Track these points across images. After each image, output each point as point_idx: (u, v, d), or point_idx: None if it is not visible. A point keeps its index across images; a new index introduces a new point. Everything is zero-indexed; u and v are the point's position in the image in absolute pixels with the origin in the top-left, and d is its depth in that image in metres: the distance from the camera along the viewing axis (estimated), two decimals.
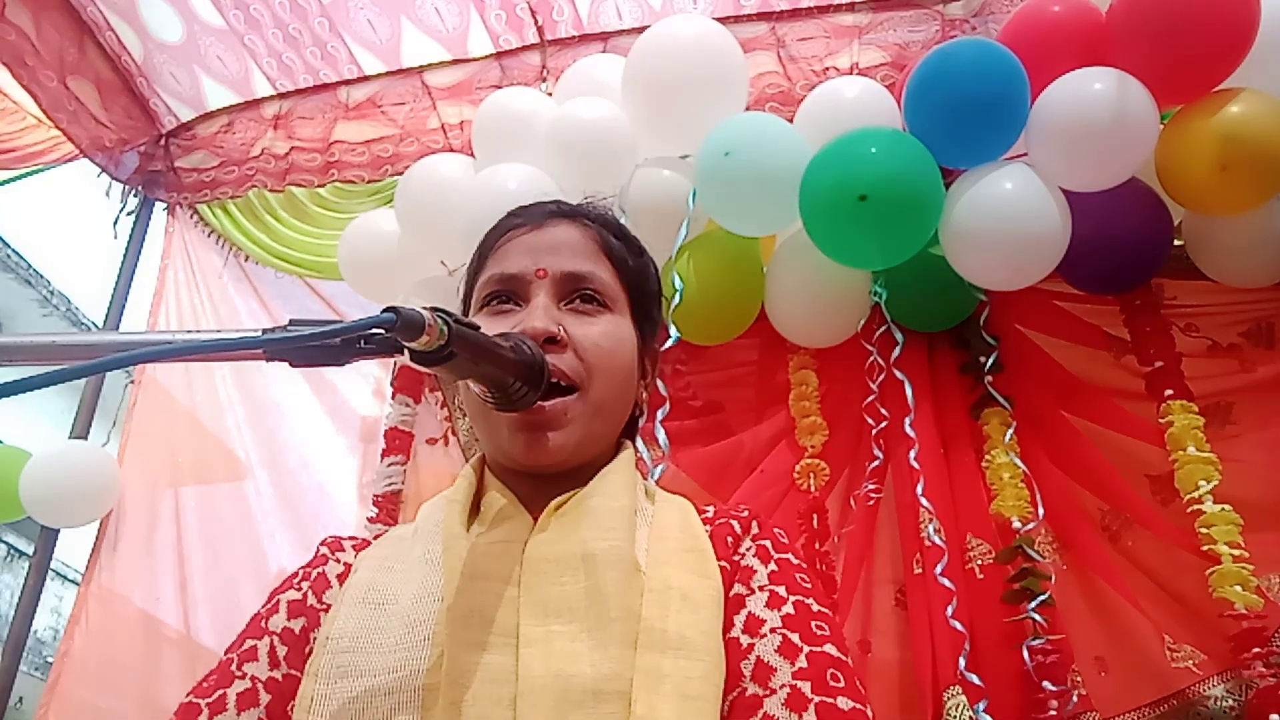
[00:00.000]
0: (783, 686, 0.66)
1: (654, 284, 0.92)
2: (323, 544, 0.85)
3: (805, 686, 0.66)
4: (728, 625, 0.72)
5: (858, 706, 0.66)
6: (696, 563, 0.75)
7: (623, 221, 1.72)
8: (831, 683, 0.67)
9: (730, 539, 0.78)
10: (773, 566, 0.76)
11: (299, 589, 0.80)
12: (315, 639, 0.74)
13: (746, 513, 0.82)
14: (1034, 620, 1.49)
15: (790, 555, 0.78)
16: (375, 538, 0.86)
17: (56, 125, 2.49)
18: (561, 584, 0.69)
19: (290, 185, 2.52)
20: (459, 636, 0.67)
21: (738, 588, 0.74)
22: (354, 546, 0.85)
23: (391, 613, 0.71)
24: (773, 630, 0.70)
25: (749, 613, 0.72)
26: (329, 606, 0.77)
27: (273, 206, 2.60)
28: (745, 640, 0.70)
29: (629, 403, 0.85)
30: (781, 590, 0.74)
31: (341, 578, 0.80)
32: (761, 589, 0.74)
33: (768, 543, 0.79)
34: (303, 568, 0.83)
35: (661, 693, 0.64)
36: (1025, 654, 1.46)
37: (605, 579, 0.69)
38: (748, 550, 0.78)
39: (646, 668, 0.65)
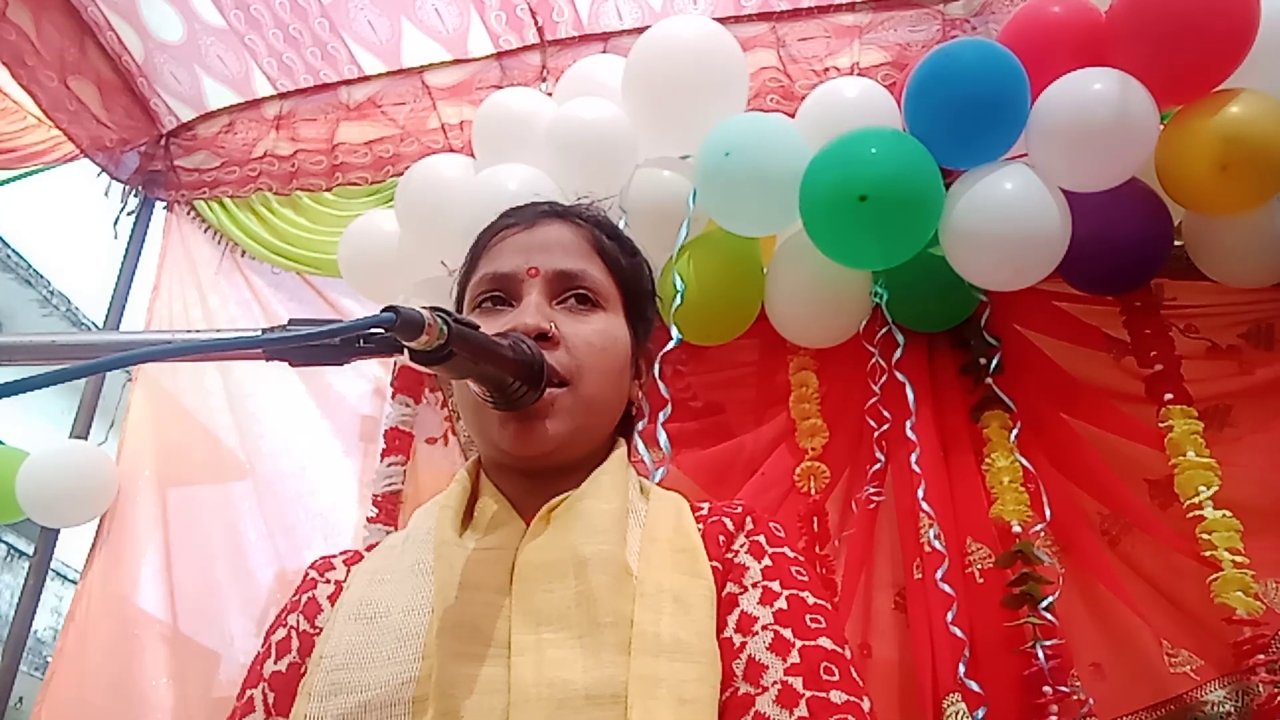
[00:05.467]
0: (774, 684, 0.66)
1: (648, 284, 0.91)
2: (311, 567, 0.85)
3: (797, 682, 0.66)
4: (721, 625, 0.71)
5: (851, 699, 0.65)
6: (689, 563, 0.74)
7: (622, 222, 1.73)
8: (825, 676, 0.66)
9: (723, 537, 0.78)
10: (766, 562, 0.76)
11: (286, 625, 0.80)
12: (309, 663, 0.74)
13: (740, 508, 0.82)
14: (1034, 624, 1.48)
15: (785, 549, 0.78)
16: (369, 549, 0.86)
17: (57, 125, 2.49)
18: (552, 591, 0.69)
19: (296, 190, 2.53)
20: (449, 648, 0.66)
21: (730, 586, 0.74)
22: (345, 561, 0.84)
23: (383, 626, 0.71)
24: (764, 627, 0.70)
25: (741, 611, 0.72)
26: (322, 630, 0.76)
27: (269, 201, 2.61)
28: (738, 639, 0.70)
29: (621, 400, 0.85)
30: (775, 585, 0.73)
31: (333, 598, 0.80)
32: (755, 586, 0.73)
33: (762, 537, 0.78)
34: (292, 597, 0.83)
35: (658, 697, 0.64)
36: (1040, 654, 1.45)
37: (596, 584, 0.69)
38: (741, 547, 0.77)
39: (641, 672, 0.65)
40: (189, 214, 2.70)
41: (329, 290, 2.53)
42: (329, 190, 2.52)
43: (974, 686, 1.44)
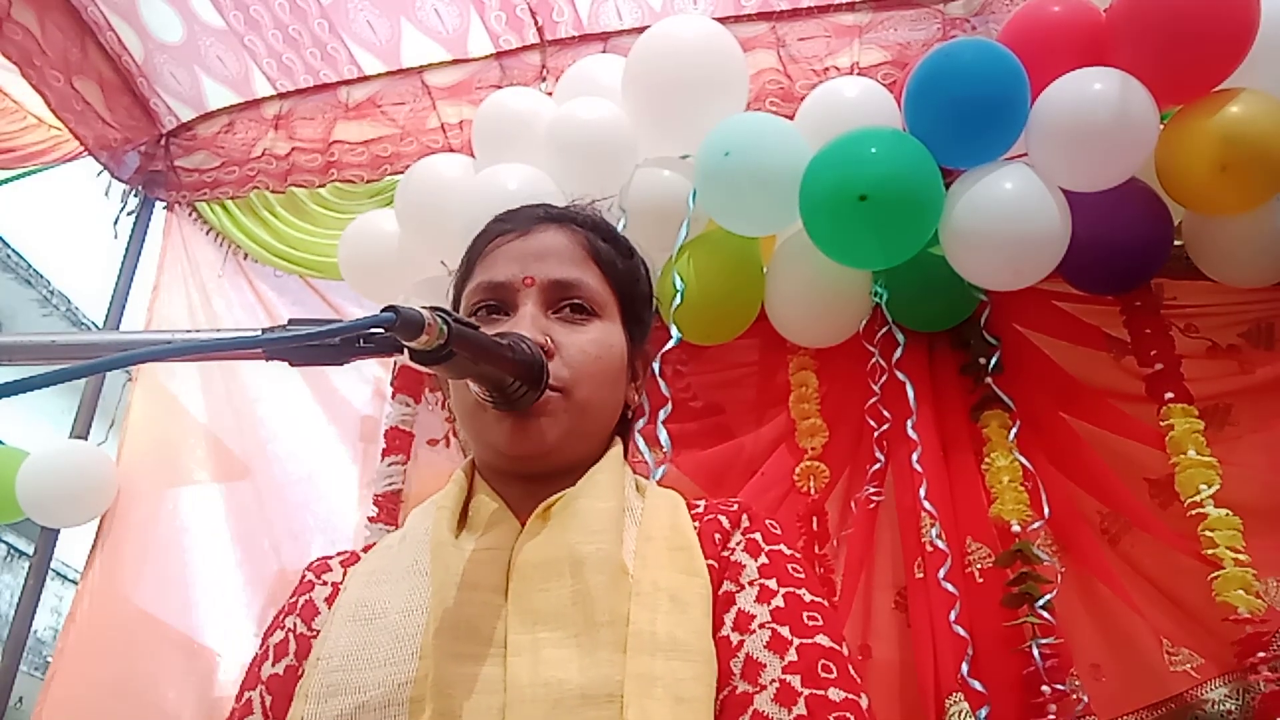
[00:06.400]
0: (772, 682, 0.66)
1: (644, 286, 0.91)
2: (308, 569, 0.84)
3: (795, 680, 0.65)
4: (718, 624, 0.71)
5: (850, 697, 0.65)
6: (685, 561, 0.74)
7: (622, 222, 1.73)
8: (823, 674, 0.66)
9: (719, 536, 0.78)
10: (763, 559, 0.75)
11: (283, 627, 0.80)
12: (306, 665, 0.74)
13: (736, 506, 0.81)
14: (1034, 623, 1.48)
15: (782, 546, 0.77)
16: (365, 549, 0.86)
17: (66, 125, 2.50)
18: (548, 590, 0.69)
19: (292, 186, 2.53)
20: (446, 648, 0.66)
21: (727, 585, 0.74)
22: (342, 563, 0.84)
23: (380, 627, 0.71)
24: (762, 626, 0.70)
25: (738, 609, 0.72)
26: (319, 632, 0.76)
27: (272, 205, 2.61)
28: (735, 638, 0.70)
29: (618, 404, 0.85)
30: (772, 583, 0.73)
31: (330, 600, 0.79)
32: (751, 584, 0.73)
33: (758, 535, 0.78)
34: (289, 599, 0.82)
35: (654, 696, 0.64)
36: (1035, 653, 1.45)
37: (592, 583, 0.69)
38: (737, 545, 0.77)
39: (638, 671, 0.65)
40: (190, 215, 2.70)
41: (332, 295, 2.54)
42: (323, 186, 2.52)
43: (977, 686, 1.45)
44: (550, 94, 2.04)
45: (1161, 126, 1.57)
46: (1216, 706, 1.47)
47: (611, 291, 0.85)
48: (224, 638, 2.23)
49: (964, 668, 1.46)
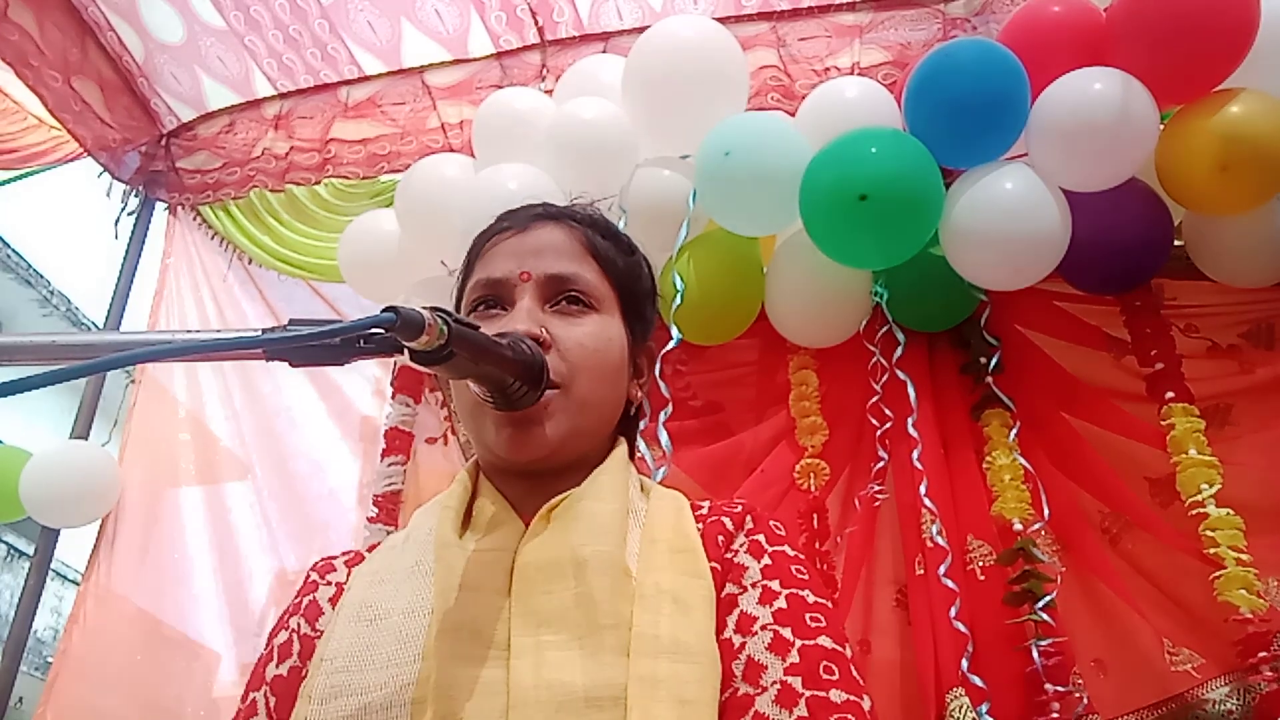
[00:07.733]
0: (774, 683, 0.66)
1: (646, 283, 0.91)
2: (312, 569, 0.84)
3: (796, 682, 0.65)
4: (720, 626, 0.71)
5: (851, 698, 0.65)
6: (688, 563, 0.74)
7: (622, 222, 1.73)
8: (824, 676, 0.66)
9: (722, 537, 0.78)
10: (766, 561, 0.75)
11: (288, 627, 0.80)
12: (310, 665, 0.74)
13: (740, 508, 0.81)
14: (1036, 622, 1.48)
15: (785, 547, 0.77)
16: (370, 549, 0.86)
17: (64, 125, 2.50)
18: (551, 592, 0.69)
19: (289, 184, 2.53)
20: (449, 650, 0.66)
21: (730, 587, 0.74)
22: (346, 563, 0.84)
23: (383, 628, 0.71)
24: (764, 627, 0.70)
25: (741, 611, 0.72)
26: (323, 632, 0.76)
27: (274, 209, 2.61)
28: (737, 640, 0.70)
29: (619, 400, 0.85)
30: (775, 585, 0.73)
31: (334, 600, 0.79)
32: (754, 585, 0.73)
33: (761, 536, 0.78)
34: (294, 599, 0.82)
35: (658, 698, 0.64)
36: (1035, 654, 1.45)
37: (595, 586, 0.68)
38: (740, 547, 0.77)
39: (641, 674, 0.65)
40: (193, 218, 2.70)
41: (341, 304, 2.54)
42: (319, 183, 2.52)
43: (977, 681, 1.45)
44: (550, 94, 2.04)
45: (1161, 126, 1.57)
46: (1217, 706, 1.46)
47: (610, 286, 0.85)
48: (224, 638, 2.23)
49: (964, 663, 1.46)
